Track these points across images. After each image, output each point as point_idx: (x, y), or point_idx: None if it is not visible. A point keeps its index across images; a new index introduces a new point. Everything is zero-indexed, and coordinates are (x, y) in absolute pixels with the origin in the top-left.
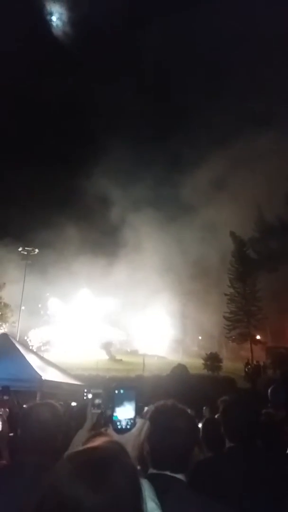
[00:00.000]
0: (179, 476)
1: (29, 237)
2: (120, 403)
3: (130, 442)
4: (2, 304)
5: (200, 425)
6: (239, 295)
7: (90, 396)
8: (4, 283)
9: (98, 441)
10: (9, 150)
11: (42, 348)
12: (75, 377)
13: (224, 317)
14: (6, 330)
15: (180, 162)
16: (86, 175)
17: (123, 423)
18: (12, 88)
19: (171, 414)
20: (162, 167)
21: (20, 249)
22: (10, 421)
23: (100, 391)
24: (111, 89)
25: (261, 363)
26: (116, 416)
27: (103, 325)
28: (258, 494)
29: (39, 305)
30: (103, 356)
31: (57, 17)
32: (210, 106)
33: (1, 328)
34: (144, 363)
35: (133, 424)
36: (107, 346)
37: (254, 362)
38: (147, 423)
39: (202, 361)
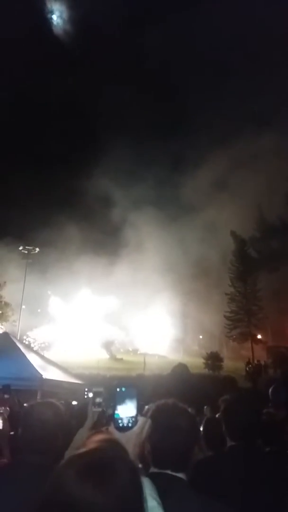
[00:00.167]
0: (180, 475)
1: (30, 236)
2: (121, 401)
3: (132, 440)
4: (3, 303)
5: (201, 424)
6: (240, 295)
7: (91, 395)
8: (5, 282)
9: (97, 441)
10: (10, 150)
11: (43, 347)
12: (76, 376)
13: (225, 316)
14: (6, 329)
15: (181, 162)
16: (87, 174)
17: (125, 421)
18: (13, 88)
19: (172, 413)
20: (163, 167)
21: (20, 248)
22: (11, 420)
23: (101, 389)
24: (112, 89)
25: (262, 363)
26: (118, 414)
27: (104, 324)
28: (258, 493)
29: (40, 304)
30: (104, 355)
31: (57, 16)
32: (211, 106)
33: (2, 327)
34: (145, 362)
35: (135, 422)
36: (107, 345)
37: (255, 362)
38: (149, 421)
39: (202, 361)
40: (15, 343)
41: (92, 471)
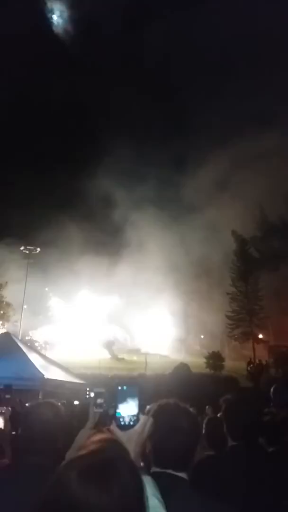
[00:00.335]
0: (182, 474)
1: (31, 237)
2: (123, 399)
3: (133, 439)
4: (4, 303)
5: (203, 424)
6: (241, 294)
7: (92, 394)
8: (6, 282)
9: (98, 441)
10: (11, 150)
11: (45, 347)
12: (78, 376)
13: (226, 316)
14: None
15: (182, 162)
16: (88, 174)
17: (126, 420)
18: (13, 88)
19: (174, 412)
20: (164, 167)
21: (22, 248)
22: (13, 420)
23: (102, 390)
24: (113, 89)
25: (264, 362)
26: (119, 413)
27: (105, 324)
28: (259, 493)
29: (41, 304)
30: (105, 355)
31: (58, 15)
32: (212, 106)
33: (3, 327)
34: (146, 362)
35: (136, 421)
36: (109, 345)
37: (257, 361)
38: (151, 420)
39: (204, 360)
40: (16, 343)
41: (94, 472)
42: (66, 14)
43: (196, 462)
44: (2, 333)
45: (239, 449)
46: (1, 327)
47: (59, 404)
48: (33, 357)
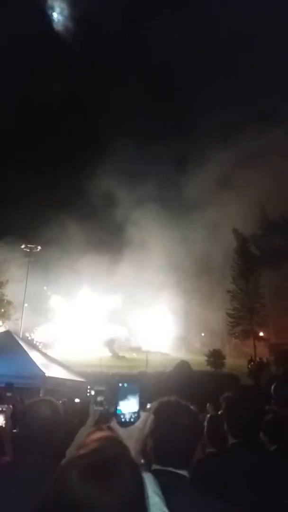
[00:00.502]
0: (183, 472)
1: (32, 235)
2: (124, 396)
3: (134, 436)
4: (5, 301)
5: (204, 422)
6: (242, 292)
7: (93, 392)
8: (7, 280)
9: (98, 440)
10: (13, 149)
11: (46, 345)
12: (79, 374)
13: (227, 314)
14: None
15: (184, 160)
16: (89, 173)
17: (127, 417)
18: (14, 87)
19: (175, 410)
20: (165, 165)
21: (23, 246)
22: (14, 418)
23: (102, 388)
24: (114, 88)
25: (264, 360)
26: (120, 410)
27: (106, 322)
28: (260, 490)
29: (42, 302)
30: (106, 353)
31: (59, 14)
32: (213, 104)
33: (4, 325)
34: (147, 360)
35: (137, 418)
36: (110, 343)
37: (257, 359)
38: (151, 416)
39: (205, 358)
40: (17, 341)
41: (94, 471)
42: (68, 11)
43: (197, 459)
44: (3, 332)
45: (239, 447)
46: (2, 325)
47: (58, 402)
48: (34, 355)
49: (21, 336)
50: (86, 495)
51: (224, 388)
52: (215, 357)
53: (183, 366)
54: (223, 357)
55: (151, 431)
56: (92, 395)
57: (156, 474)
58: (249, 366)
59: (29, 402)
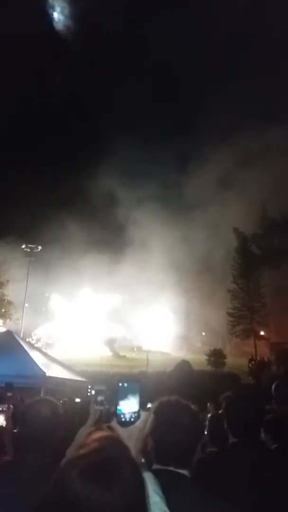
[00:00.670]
0: (183, 471)
1: (33, 235)
2: (124, 396)
3: (134, 435)
4: (6, 301)
5: (205, 421)
6: (243, 291)
7: (93, 392)
8: (8, 280)
9: (98, 439)
10: (13, 149)
11: (46, 345)
12: (79, 373)
13: (227, 313)
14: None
15: (185, 160)
16: (90, 172)
17: (127, 416)
18: (15, 86)
19: (175, 410)
20: (166, 165)
21: (23, 246)
22: (14, 418)
23: (103, 388)
24: (115, 87)
25: (265, 359)
26: (120, 410)
27: (107, 321)
28: (260, 490)
29: (43, 302)
30: (107, 353)
31: (60, 14)
32: (214, 104)
33: (5, 325)
34: (148, 359)
35: (137, 417)
36: (110, 343)
37: (258, 358)
38: (152, 416)
39: (205, 357)
40: (18, 341)
41: (95, 471)
42: (68, 10)
43: (198, 459)
44: (4, 331)
45: (240, 446)
46: (2, 325)
47: (59, 401)
48: (34, 355)
49: (21, 336)
50: (87, 495)
51: (225, 387)
52: (216, 356)
53: (183, 365)
54: (224, 357)
55: (152, 430)
56: (93, 395)
57: (157, 474)
58: (250, 365)
59: (29, 401)
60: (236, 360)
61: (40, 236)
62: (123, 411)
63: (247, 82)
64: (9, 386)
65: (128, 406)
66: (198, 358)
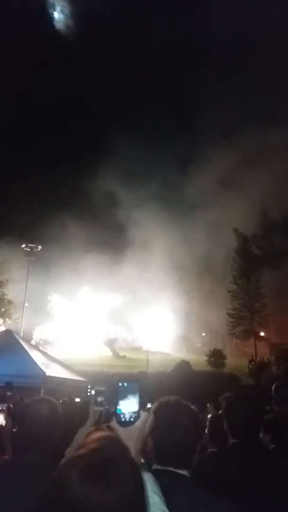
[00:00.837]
0: (183, 472)
1: (33, 234)
2: (123, 396)
3: (134, 435)
4: (6, 300)
5: (205, 422)
6: (243, 292)
7: (93, 392)
8: (8, 280)
9: (98, 439)
10: (13, 149)
11: (46, 344)
12: (79, 373)
13: (227, 313)
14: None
15: (185, 160)
16: (90, 172)
17: (127, 416)
18: (15, 86)
19: (175, 410)
20: (167, 166)
21: (23, 245)
22: (13, 417)
23: (103, 388)
24: (116, 87)
25: (265, 360)
26: (120, 409)
27: (107, 321)
28: (260, 490)
29: (43, 302)
30: (107, 353)
31: (60, 13)
32: (215, 104)
33: (5, 324)
34: (147, 360)
35: (137, 417)
36: (110, 343)
37: (258, 359)
38: (151, 416)
39: (205, 358)
40: (18, 341)
41: (94, 471)
42: (69, 10)
43: (198, 459)
44: (4, 331)
45: (239, 447)
46: (2, 324)
47: (58, 401)
48: (34, 354)
49: (21, 336)
50: (86, 495)
51: (225, 388)
52: (216, 357)
53: (183, 366)
54: (224, 357)
55: (151, 430)
56: (92, 395)
57: (157, 474)
58: (250, 366)
59: (28, 401)
60: (236, 360)
61: (40, 236)
62: (123, 411)
63: (247, 82)
64: (9, 385)
65: (128, 406)
66: (198, 358)
